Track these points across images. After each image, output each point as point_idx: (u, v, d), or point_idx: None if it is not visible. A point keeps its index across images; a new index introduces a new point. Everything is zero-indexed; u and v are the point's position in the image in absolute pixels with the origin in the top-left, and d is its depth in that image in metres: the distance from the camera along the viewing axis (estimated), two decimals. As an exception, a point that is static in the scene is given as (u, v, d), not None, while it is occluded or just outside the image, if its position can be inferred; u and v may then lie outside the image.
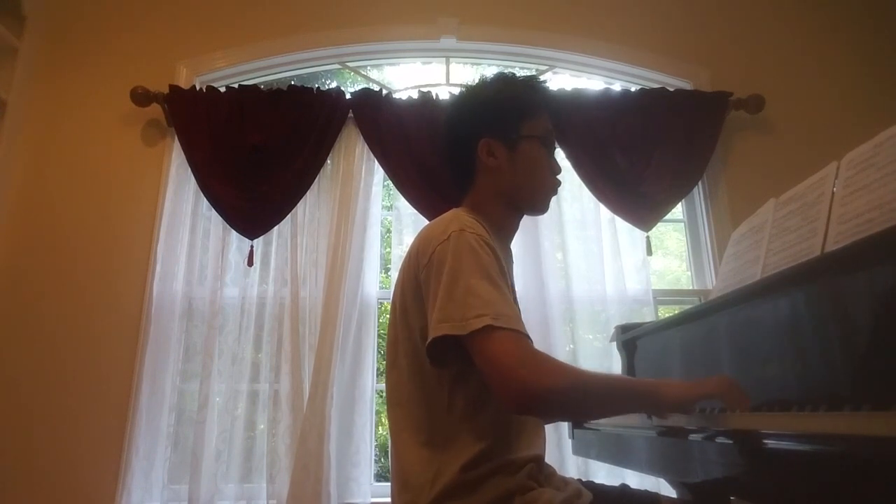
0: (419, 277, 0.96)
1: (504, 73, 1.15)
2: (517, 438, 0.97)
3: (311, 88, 2.47)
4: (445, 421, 0.94)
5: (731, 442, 0.86)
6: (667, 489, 1.63)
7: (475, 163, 1.10)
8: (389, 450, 1.03)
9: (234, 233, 2.35)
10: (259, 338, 2.28)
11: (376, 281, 2.42)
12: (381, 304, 2.44)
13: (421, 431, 0.96)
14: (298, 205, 2.39)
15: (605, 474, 2.11)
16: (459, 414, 0.94)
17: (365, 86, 2.59)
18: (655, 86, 2.69)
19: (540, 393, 0.82)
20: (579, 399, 0.89)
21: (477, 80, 1.16)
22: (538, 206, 1.14)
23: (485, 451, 0.92)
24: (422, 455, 0.94)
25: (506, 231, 1.13)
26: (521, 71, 2.81)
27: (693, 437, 0.97)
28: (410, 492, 0.93)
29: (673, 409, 0.94)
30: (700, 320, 1.27)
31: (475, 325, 0.84)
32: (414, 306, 0.98)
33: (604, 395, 0.92)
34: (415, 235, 1.05)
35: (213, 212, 2.37)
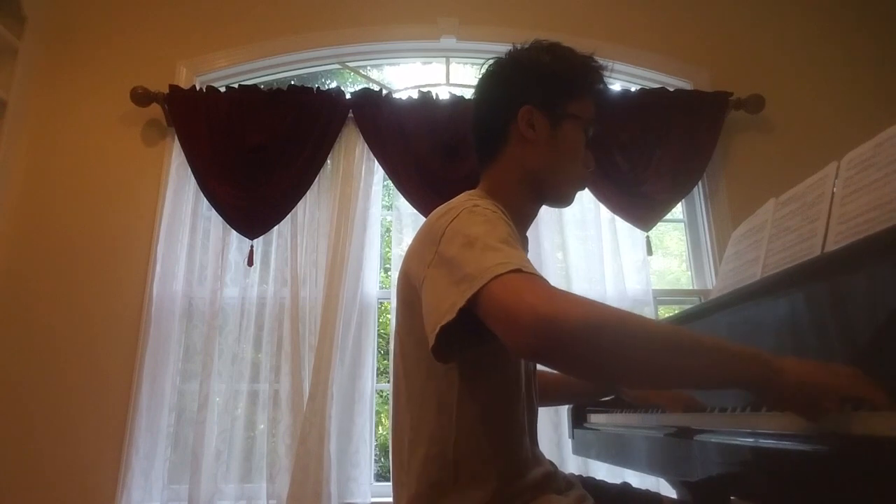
0: (428, 266, 0.85)
1: (561, 44, 1.02)
2: (527, 456, 0.93)
3: (311, 88, 2.47)
4: (456, 429, 0.87)
5: (731, 442, 0.86)
6: (667, 489, 1.63)
7: (508, 132, 0.99)
8: (391, 454, 0.97)
9: (234, 233, 2.35)
10: (259, 338, 2.28)
11: (376, 281, 2.42)
12: (381, 303, 2.44)
13: (433, 441, 0.88)
14: (298, 205, 2.39)
15: (605, 474, 2.11)
16: (470, 422, 0.87)
17: (365, 86, 2.59)
18: (655, 86, 2.69)
19: (561, 321, 0.64)
20: (620, 339, 0.66)
21: (529, 44, 1.02)
22: (563, 195, 1.02)
23: (498, 466, 0.86)
24: (428, 471, 0.88)
25: (523, 218, 1.02)
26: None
27: (694, 436, 0.97)
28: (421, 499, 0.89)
29: (791, 392, 0.67)
30: (700, 320, 1.26)
31: (498, 270, 0.70)
32: (420, 299, 0.87)
33: (665, 344, 0.68)
34: (415, 236, 0.96)
35: (213, 212, 2.37)
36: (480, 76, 1.05)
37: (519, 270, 0.70)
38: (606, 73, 1.03)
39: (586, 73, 1.01)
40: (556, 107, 0.98)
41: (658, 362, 0.69)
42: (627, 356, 0.68)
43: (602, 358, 0.68)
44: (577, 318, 0.64)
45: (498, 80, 1.03)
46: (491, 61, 1.05)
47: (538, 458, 0.97)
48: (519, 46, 1.03)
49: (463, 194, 0.96)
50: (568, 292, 0.72)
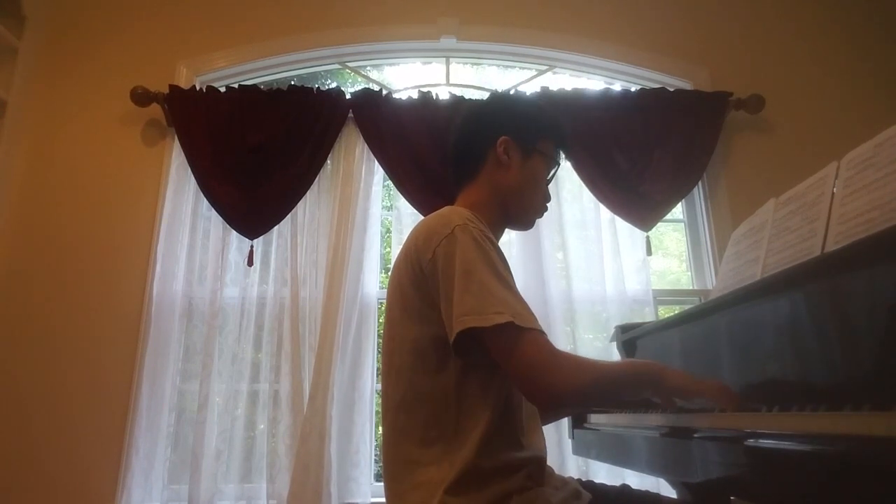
0: (425, 271, 0.97)
1: (532, 96, 1.22)
2: (521, 436, 0.98)
3: (311, 88, 2.47)
4: (453, 417, 0.95)
5: (731, 442, 0.86)
6: (667, 489, 1.63)
7: (486, 156, 1.15)
8: (383, 454, 1.04)
9: (234, 233, 2.35)
10: (259, 338, 2.28)
11: (376, 281, 2.42)
12: (380, 303, 2.43)
13: (429, 429, 0.96)
14: (298, 205, 2.39)
15: (605, 474, 2.11)
16: (467, 409, 0.94)
17: (365, 86, 2.59)
18: (655, 86, 2.69)
19: (570, 395, 0.89)
20: (599, 392, 0.96)
21: (506, 90, 1.21)
22: (525, 218, 1.19)
23: (493, 443, 0.93)
24: (431, 452, 0.94)
25: (493, 234, 1.13)
26: (521, 72, 2.85)
27: (694, 436, 0.97)
28: (423, 489, 0.92)
29: (671, 393, 0.98)
30: (700, 320, 1.27)
31: (497, 319, 0.87)
32: (416, 301, 0.98)
33: (618, 383, 0.97)
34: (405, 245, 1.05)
35: (213, 212, 2.37)
36: (465, 112, 1.25)
37: (513, 325, 0.88)
38: (568, 133, 1.26)
39: (556, 122, 1.23)
40: (527, 141, 1.16)
41: (618, 393, 1.04)
42: (605, 397, 1.09)
43: (592, 403, 1.21)
44: (580, 387, 0.90)
45: (481, 115, 1.22)
46: (474, 101, 1.24)
47: (532, 443, 1.01)
48: (498, 90, 1.24)
49: (446, 208, 1.05)
50: (564, 358, 0.92)
